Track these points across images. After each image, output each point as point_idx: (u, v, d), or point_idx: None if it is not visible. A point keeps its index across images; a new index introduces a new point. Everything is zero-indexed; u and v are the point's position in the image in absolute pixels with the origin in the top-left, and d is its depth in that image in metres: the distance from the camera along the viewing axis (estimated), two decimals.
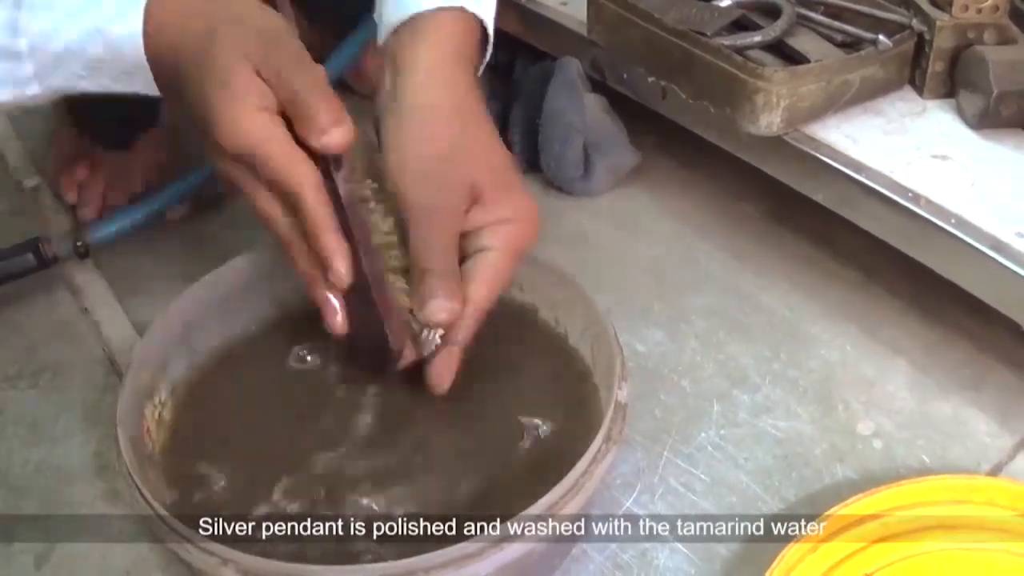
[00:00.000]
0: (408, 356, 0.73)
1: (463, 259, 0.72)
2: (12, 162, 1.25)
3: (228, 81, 0.65)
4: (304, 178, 0.65)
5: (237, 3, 0.68)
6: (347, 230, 0.68)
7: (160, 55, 0.67)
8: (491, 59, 0.80)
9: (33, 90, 0.69)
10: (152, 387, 0.77)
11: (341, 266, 0.67)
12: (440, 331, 0.72)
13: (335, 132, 0.66)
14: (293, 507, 0.71)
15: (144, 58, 0.67)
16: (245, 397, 0.81)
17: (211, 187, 1.08)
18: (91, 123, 1.13)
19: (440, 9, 0.74)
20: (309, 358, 0.82)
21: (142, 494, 0.67)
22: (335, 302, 0.70)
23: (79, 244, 1.02)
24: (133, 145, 1.13)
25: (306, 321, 0.77)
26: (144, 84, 0.69)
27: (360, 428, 0.77)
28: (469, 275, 0.72)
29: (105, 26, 0.67)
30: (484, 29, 0.77)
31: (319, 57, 1.00)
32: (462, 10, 0.74)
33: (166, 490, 0.73)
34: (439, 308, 0.70)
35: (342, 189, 0.68)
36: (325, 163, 0.67)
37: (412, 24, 0.74)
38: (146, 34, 0.66)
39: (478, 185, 0.71)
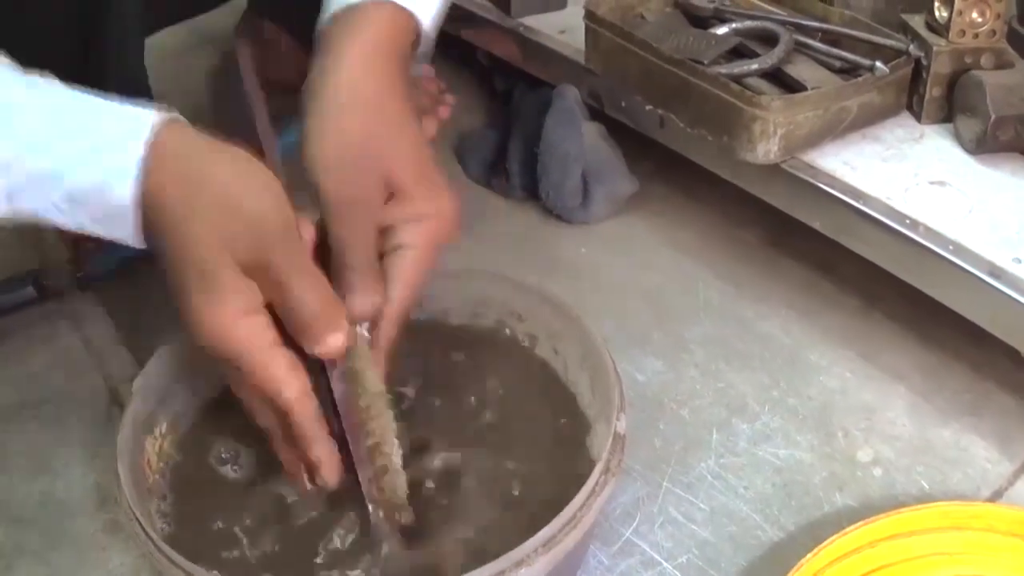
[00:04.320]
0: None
1: (382, 254, 0.71)
2: None
3: (210, 278, 0.62)
4: (291, 391, 0.65)
5: (222, 174, 0.63)
6: (338, 424, 0.69)
7: (146, 208, 0.62)
8: (490, 87, 0.79)
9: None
10: (153, 419, 0.77)
11: (330, 477, 0.69)
12: (366, 324, 0.71)
13: (330, 342, 0.66)
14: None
15: (130, 201, 0.61)
16: (247, 429, 0.80)
17: None
18: None
19: (370, 2, 0.73)
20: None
21: (142, 527, 0.67)
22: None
23: (80, 276, 1.03)
24: None
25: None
26: (124, 232, 0.63)
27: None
28: (389, 275, 0.71)
29: (97, 153, 0.61)
30: (419, 24, 0.75)
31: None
32: (393, 4, 0.73)
33: (167, 522, 0.73)
34: (359, 303, 0.69)
35: (336, 390, 0.69)
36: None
37: (342, 16, 0.73)
38: (139, 178, 0.61)
39: (395, 178, 0.70)
